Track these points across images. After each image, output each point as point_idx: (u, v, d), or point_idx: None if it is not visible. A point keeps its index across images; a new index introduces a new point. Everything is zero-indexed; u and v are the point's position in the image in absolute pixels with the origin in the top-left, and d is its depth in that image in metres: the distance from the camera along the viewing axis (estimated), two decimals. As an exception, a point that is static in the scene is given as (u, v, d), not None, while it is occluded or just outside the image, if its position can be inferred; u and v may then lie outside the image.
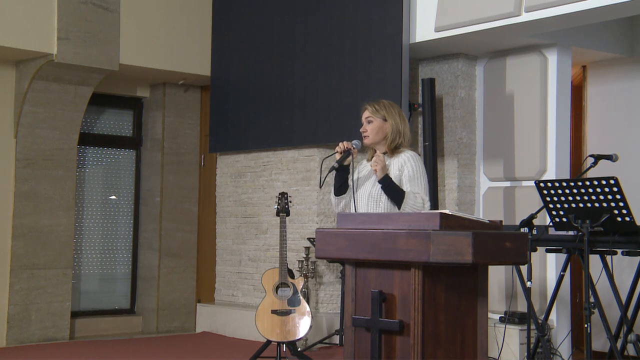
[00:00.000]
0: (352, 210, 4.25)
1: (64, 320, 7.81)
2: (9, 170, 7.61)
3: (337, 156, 4.30)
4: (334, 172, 4.32)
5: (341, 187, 4.35)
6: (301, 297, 6.38)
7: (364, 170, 4.38)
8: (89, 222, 8.56)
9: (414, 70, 7.16)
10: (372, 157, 4.37)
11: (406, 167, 4.22)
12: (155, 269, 8.64)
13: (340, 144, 4.30)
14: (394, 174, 4.22)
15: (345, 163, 4.31)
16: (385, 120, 4.30)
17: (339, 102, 7.07)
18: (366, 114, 4.36)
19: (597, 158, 5.48)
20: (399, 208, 4.14)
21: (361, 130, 4.36)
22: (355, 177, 4.34)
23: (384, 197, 4.19)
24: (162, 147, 8.71)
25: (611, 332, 5.26)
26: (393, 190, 4.16)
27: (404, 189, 4.18)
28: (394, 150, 4.30)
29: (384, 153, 4.32)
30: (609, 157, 5.46)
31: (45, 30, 7.38)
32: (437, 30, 6.49)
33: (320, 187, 4.33)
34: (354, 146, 4.30)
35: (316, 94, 7.34)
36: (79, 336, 8.10)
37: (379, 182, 4.20)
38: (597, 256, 5.26)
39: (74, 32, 7.50)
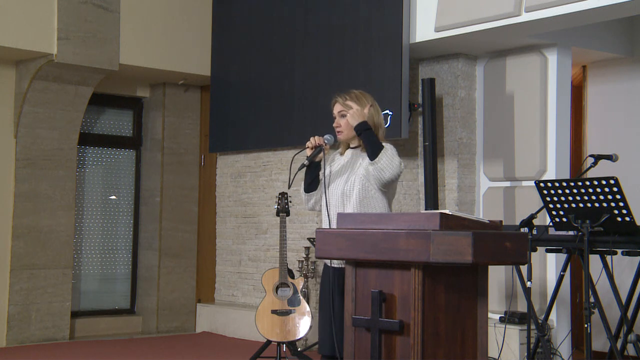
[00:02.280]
0: (324, 207, 4.04)
1: (64, 320, 7.81)
2: (9, 170, 7.61)
3: (308, 152, 4.05)
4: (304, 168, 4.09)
5: (312, 183, 4.11)
6: (301, 297, 6.38)
7: (336, 165, 4.13)
8: (89, 222, 8.56)
9: (414, 70, 7.16)
10: (346, 150, 4.14)
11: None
12: (155, 269, 8.64)
13: (312, 138, 4.05)
14: (365, 165, 3.97)
15: (317, 159, 4.07)
16: None
17: (339, 102, 7.06)
18: (338, 107, 4.08)
19: (597, 158, 5.48)
20: (374, 158, 3.88)
21: (334, 125, 4.07)
22: (327, 172, 4.09)
23: (354, 193, 3.96)
24: (162, 147, 8.72)
25: (611, 332, 5.26)
26: (372, 138, 3.91)
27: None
28: None
29: (357, 147, 4.09)
30: (609, 157, 5.46)
31: (45, 30, 7.38)
32: (437, 30, 6.49)
33: (289, 187, 4.10)
34: (326, 142, 4.06)
35: (316, 94, 7.34)
36: (79, 336, 8.10)
37: (356, 128, 3.94)
38: (597, 256, 5.25)
39: (74, 32, 7.50)
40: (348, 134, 4.06)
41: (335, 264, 4.01)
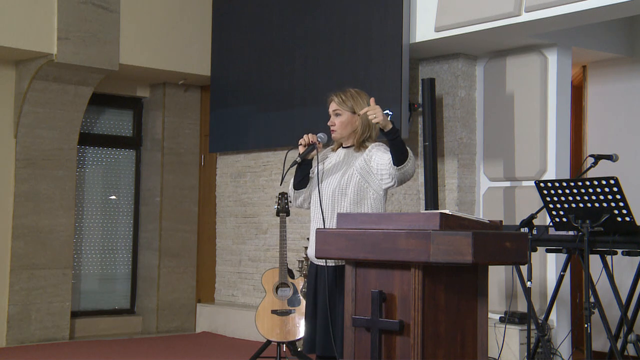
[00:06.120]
0: (314, 204, 4.03)
1: (64, 320, 7.81)
2: (9, 170, 7.61)
3: (301, 149, 4.02)
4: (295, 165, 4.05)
5: (302, 181, 4.09)
6: (301, 297, 6.37)
7: (328, 163, 4.10)
8: (89, 222, 8.56)
9: (414, 70, 7.16)
10: (338, 147, 4.12)
11: (373, 151, 3.97)
12: (155, 269, 8.64)
13: (305, 136, 4.01)
14: (360, 166, 3.96)
15: (309, 157, 4.04)
16: (353, 112, 3.99)
17: (339, 102, 7.06)
18: (333, 106, 4.05)
19: (597, 158, 5.48)
20: (400, 164, 3.81)
21: (329, 123, 4.06)
22: (320, 169, 4.06)
23: (350, 190, 3.95)
24: (162, 147, 8.72)
25: (611, 332, 5.26)
26: (402, 145, 3.82)
27: (376, 166, 3.92)
28: (361, 144, 4.03)
29: (350, 146, 4.07)
30: (609, 157, 5.46)
31: (45, 30, 7.38)
32: (437, 30, 6.49)
33: (281, 183, 4.09)
34: (319, 140, 4.03)
35: (316, 94, 7.34)
36: (79, 336, 8.10)
37: (390, 133, 3.76)
38: (597, 256, 5.25)
39: (74, 32, 7.50)
40: (342, 133, 4.05)
41: (320, 262, 4.01)
